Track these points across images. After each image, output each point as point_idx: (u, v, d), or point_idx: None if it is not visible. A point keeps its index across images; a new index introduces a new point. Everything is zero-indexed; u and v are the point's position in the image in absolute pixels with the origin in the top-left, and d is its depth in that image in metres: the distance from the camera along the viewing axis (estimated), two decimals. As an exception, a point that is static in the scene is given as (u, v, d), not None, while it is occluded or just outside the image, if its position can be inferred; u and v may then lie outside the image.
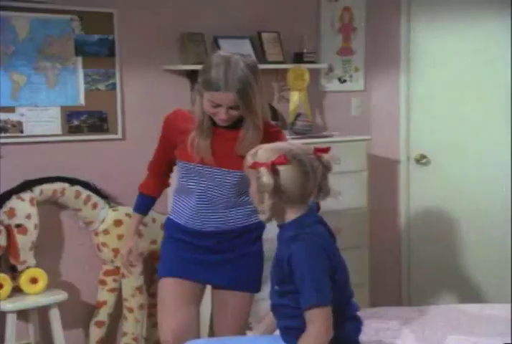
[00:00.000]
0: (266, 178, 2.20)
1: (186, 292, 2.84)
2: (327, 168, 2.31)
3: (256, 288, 2.91)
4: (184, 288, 2.84)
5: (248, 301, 2.91)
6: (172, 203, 2.94)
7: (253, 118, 2.69)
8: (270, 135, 2.74)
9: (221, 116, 2.67)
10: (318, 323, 2.15)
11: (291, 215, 2.28)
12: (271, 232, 2.40)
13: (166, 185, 3.06)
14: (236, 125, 2.74)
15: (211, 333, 3.34)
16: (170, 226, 2.94)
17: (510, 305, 3.14)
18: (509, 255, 4.55)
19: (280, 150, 2.26)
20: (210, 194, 2.79)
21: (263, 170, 2.21)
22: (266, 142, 2.56)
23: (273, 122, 2.95)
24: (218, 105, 2.65)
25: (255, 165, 2.23)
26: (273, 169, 2.22)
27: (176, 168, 2.93)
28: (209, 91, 2.64)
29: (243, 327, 2.94)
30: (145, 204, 3.04)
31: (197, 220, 2.82)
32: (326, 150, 2.32)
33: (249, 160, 2.29)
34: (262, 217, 2.29)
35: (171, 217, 2.93)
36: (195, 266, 2.84)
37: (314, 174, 2.26)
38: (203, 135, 2.73)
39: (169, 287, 2.85)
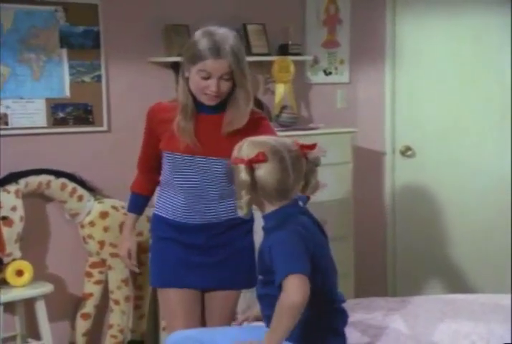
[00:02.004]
0: (243, 174, 2.23)
1: (186, 299, 2.80)
2: (314, 163, 2.32)
3: (247, 284, 2.87)
4: (184, 295, 2.80)
5: (236, 296, 2.90)
6: (157, 198, 2.88)
7: (245, 86, 2.66)
8: (254, 121, 2.72)
9: (212, 88, 2.62)
10: (289, 290, 2.08)
11: (271, 207, 2.29)
12: (259, 224, 2.40)
13: (157, 182, 2.92)
14: (220, 107, 2.70)
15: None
16: (157, 221, 2.86)
17: (495, 295, 3.17)
18: (493, 245, 4.60)
19: (262, 146, 2.27)
20: (199, 185, 2.74)
21: (241, 167, 2.24)
22: (249, 130, 2.58)
23: (258, 110, 2.90)
24: (208, 77, 2.62)
25: (235, 161, 2.26)
26: (250, 166, 2.24)
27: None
28: (200, 61, 2.60)
29: (230, 320, 2.91)
30: (138, 204, 2.98)
31: (186, 213, 2.77)
32: (312, 146, 2.33)
33: (234, 154, 2.30)
34: (240, 212, 2.29)
35: (157, 212, 2.86)
36: (188, 271, 2.79)
37: (296, 170, 2.27)
38: (186, 117, 2.69)
39: (170, 299, 2.81)
